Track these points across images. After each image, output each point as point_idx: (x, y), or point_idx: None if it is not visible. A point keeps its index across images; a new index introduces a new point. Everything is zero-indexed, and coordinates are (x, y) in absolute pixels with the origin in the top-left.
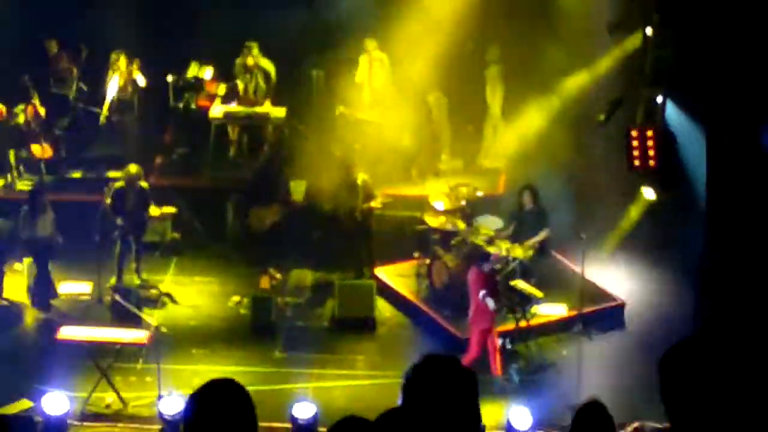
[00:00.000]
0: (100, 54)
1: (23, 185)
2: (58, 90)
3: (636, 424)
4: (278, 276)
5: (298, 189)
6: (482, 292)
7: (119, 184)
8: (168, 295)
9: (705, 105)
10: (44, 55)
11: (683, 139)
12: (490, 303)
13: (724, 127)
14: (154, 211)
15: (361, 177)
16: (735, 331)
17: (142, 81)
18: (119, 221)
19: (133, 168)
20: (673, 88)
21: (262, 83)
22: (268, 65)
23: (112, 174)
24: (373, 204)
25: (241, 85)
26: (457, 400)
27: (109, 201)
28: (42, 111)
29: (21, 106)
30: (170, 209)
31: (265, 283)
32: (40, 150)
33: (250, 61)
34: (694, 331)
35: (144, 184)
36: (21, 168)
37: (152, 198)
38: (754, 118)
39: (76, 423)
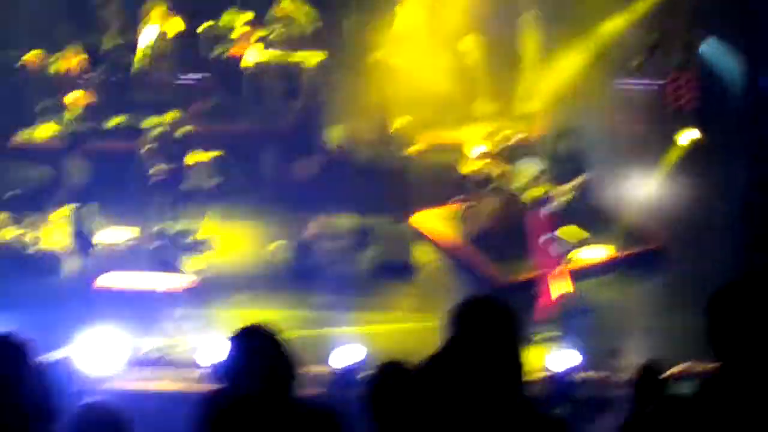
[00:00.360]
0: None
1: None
2: (97, 38)
3: (681, 366)
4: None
5: (335, 134)
6: (546, 236)
7: (157, 131)
8: (205, 249)
9: (746, 47)
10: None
11: (724, 82)
12: (555, 246)
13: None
14: (196, 156)
15: (398, 122)
16: None
17: (177, 29)
18: (158, 168)
19: (169, 116)
20: (712, 31)
21: (296, 30)
22: (302, 12)
23: (148, 122)
24: (413, 149)
25: (276, 33)
26: (497, 338)
27: (147, 147)
28: (80, 58)
29: (59, 53)
30: (212, 153)
31: (309, 229)
32: (79, 97)
33: (284, 7)
34: (738, 275)
35: (183, 129)
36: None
37: (191, 145)
38: None
39: (122, 369)
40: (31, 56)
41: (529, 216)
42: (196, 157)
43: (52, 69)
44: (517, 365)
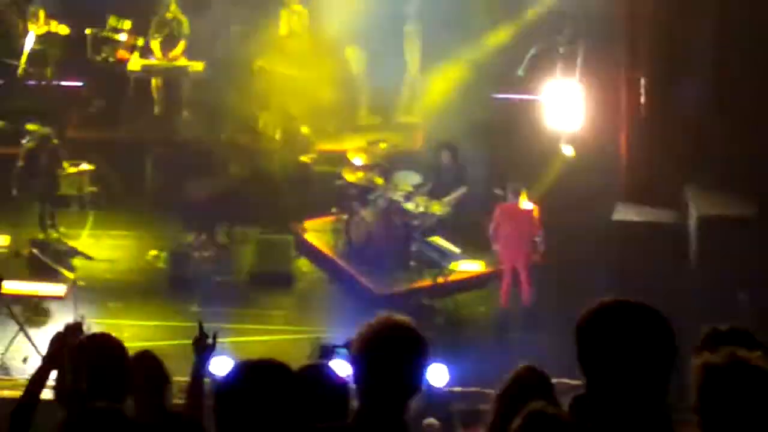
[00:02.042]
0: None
1: None
2: None
3: (554, 380)
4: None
5: (214, 141)
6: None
7: (30, 144)
8: (82, 253)
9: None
10: None
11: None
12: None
13: (639, 84)
14: (69, 168)
15: (304, 129)
16: (648, 294)
17: (60, 34)
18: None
19: (42, 128)
20: (591, 44)
21: (177, 37)
22: (182, 18)
23: (29, 126)
24: (308, 157)
25: (155, 41)
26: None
27: (21, 163)
28: None
29: None
30: (88, 167)
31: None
32: None
33: (169, 15)
34: (610, 292)
35: (55, 141)
36: None
37: (66, 153)
38: (671, 74)
39: None
40: None
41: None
42: (73, 168)
43: None
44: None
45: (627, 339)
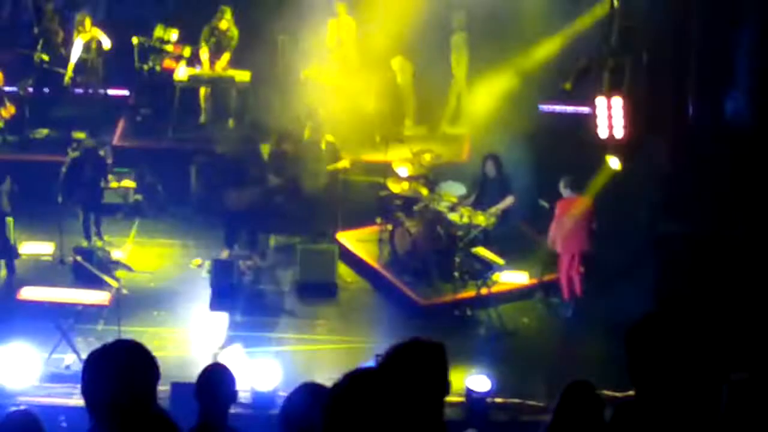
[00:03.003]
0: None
1: None
2: (25, 50)
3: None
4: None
5: (263, 152)
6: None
7: (74, 154)
8: (125, 265)
9: (671, 73)
10: (8, 13)
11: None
12: None
13: (687, 95)
14: (112, 183)
15: (325, 139)
16: (696, 303)
17: (107, 42)
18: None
19: (88, 139)
20: (639, 56)
21: (224, 48)
22: (234, 30)
23: (76, 134)
24: (339, 165)
25: (205, 49)
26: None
27: (65, 171)
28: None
29: None
30: (130, 183)
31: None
32: (2, 110)
33: (223, 25)
34: (655, 303)
35: (101, 152)
36: None
37: (112, 164)
38: (718, 87)
39: (35, 383)
40: None
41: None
42: (115, 184)
43: None
44: (440, 400)
45: (676, 348)
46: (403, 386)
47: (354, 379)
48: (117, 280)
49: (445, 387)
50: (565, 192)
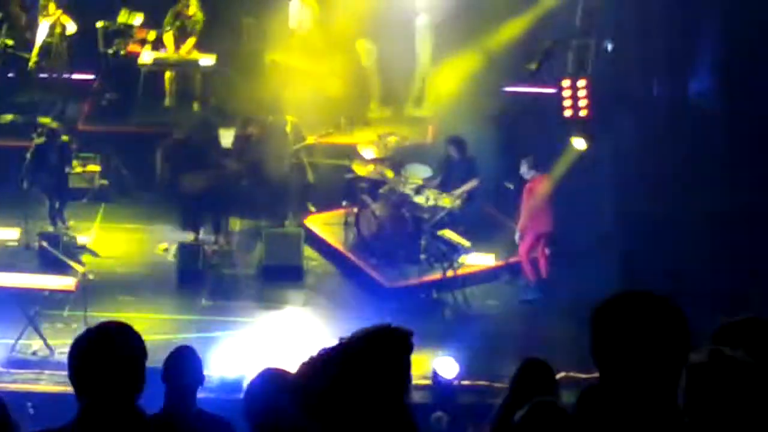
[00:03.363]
0: None
1: None
2: None
3: (561, 374)
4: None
5: (226, 136)
6: None
7: (39, 140)
8: (90, 250)
9: (634, 54)
10: None
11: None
12: None
13: (653, 76)
14: (77, 168)
15: (289, 120)
16: (662, 282)
17: (71, 27)
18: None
19: (53, 123)
20: (603, 37)
21: (189, 32)
22: (199, 14)
23: (42, 119)
24: (303, 144)
25: (169, 34)
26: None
27: (29, 158)
28: None
29: None
30: (94, 167)
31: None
32: None
33: (190, 10)
34: (621, 283)
35: (65, 138)
36: None
37: (76, 149)
38: (682, 68)
39: (1, 369)
40: None
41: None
42: (80, 168)
43: None
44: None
45: (640, 330)
46: (367, 369)
47: (318, 360)
48: (83, 265)
49: (407, 375)
50: (529, 173)
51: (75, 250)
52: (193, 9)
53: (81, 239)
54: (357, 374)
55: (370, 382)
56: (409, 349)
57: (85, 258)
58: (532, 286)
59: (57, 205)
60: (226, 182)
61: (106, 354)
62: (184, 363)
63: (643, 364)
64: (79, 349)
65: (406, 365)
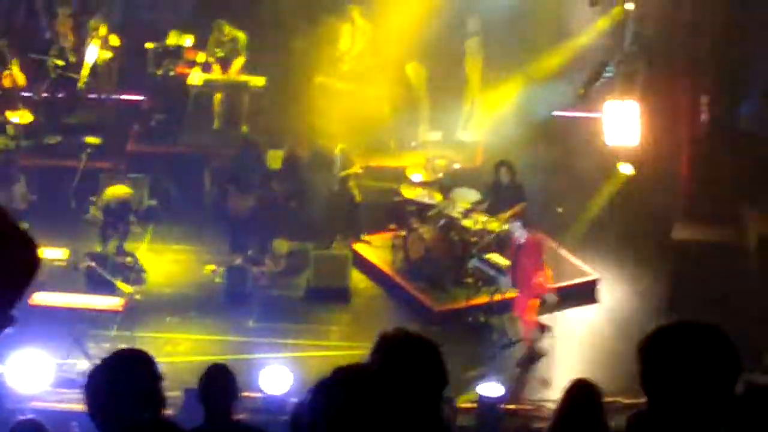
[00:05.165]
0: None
1: None
2: (38, 55)
3: (609, 399)
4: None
5: (274, 158)
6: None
7: (108, 202)
8: (138, 271)
9: (683, 81)
10: (22, 18)
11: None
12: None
13: (701, 100)
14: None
15: (339, 147)
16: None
17: (119, 48)
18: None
19: (119, 190)
20: (652, 61)
21: (236, 53)
22: (240, 34)
23: (89, 139)
24: (351, 171)
25: (216, 56)
26: (420, 373)
27: (84, 166)
28: (21, 77)
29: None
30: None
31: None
32: (19, 115)
33: (223, 38)
34: (669, 312)
35: (129, 199)
36: None
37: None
38: (733, 91)
39: (48, 389)
40: None
41: (534, 240)
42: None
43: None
44: (437, 399)
45: (690, 360)
46: (396, 382)
47: (344, 376)
48: (132, 285)
49: (441, 382)
50: (520, 234)
51: (123, 271)
52: (228, 31)
53: (129, 259)
54: (385, 384)
55: (399, 391)
56: (434, 354)
57: (133, 278)
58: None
59: (119, 233)
60: (273, 204)
61: (106, 382)
62: (216, 382)
63: (691, 393)
64: (87, 381)
65: (436, 370)
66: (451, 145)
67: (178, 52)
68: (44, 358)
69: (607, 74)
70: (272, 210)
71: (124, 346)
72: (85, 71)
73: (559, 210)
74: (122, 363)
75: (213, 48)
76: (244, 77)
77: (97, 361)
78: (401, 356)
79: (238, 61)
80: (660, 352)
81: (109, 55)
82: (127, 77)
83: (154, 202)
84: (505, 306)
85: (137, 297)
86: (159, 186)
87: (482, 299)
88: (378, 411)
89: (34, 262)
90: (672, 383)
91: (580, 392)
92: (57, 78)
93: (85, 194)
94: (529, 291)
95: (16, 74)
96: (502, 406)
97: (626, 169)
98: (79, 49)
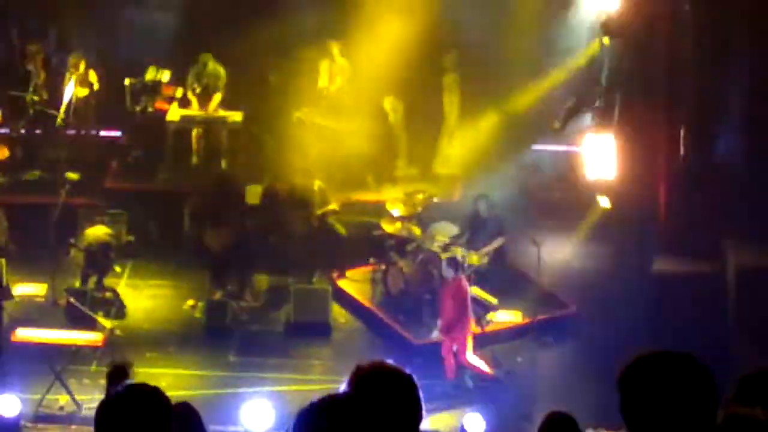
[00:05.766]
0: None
1: None
2: (17, 92)
3: (589, 431)
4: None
5: (253, 193)
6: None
7: (90, 245)
8: (117, 306)
9: (660, 114)
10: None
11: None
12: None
13: (678, 133)
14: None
15: (317, 183)
16: (691, 342)
17: (98, 84)
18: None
19: (99, 231)
20: (628, 95)
21: (214, 89)
22: (220, 69)
23: (69, 175)
24: (329, 208)
25: (191, 93)
26: (394, 404)
27: (61, 203)
28: None
29: None
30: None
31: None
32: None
33: (209, 67)
34: (649, 343)
35: (109, 240)
36: None
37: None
38: (709, 125)
39: (29, 425)
40: None
41: (457, 282)
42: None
43: None
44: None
45: (669, 389)
46: (371, 413)
47: (321, 406)
48: (110, 320)
49: (416, 414)
50: (449, 274)
51: (102, 306)
52: (212, 66)
53: (107, 294)
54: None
55: (376, 422)
56: (408, 386)
57: (112, 313)
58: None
59: (85, 257)
60: (251, 239)
61: (131, 417)
62: (180, 420)
63: (670, 423)
64: (104, 411)
65: (411, 403)
66: (430, 179)
67: (156, 87)
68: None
69: (584, 109)
70: (250, 245)
71: (103, 381)
72: (63, 107)
73: (537, 243)
74: (135, 397)
75: (192, 82)
76: (222, 113)
77: (110, 395)
78: (376, 387)
79: (217, 97)
80: (639, 381)
81: (87, 91)
82: (106, 113)
83: (132, 238)
84: (488, 338)
85: (117, 332)
86: (137, 222)
87: None
88: None
89: None
90: (651, 412)
91: (558, 424)
92: (35, 114)
93: (65, 230)
94: (452, 333)
95: None
96: None
97: (604, 202)
98: (53, 85)
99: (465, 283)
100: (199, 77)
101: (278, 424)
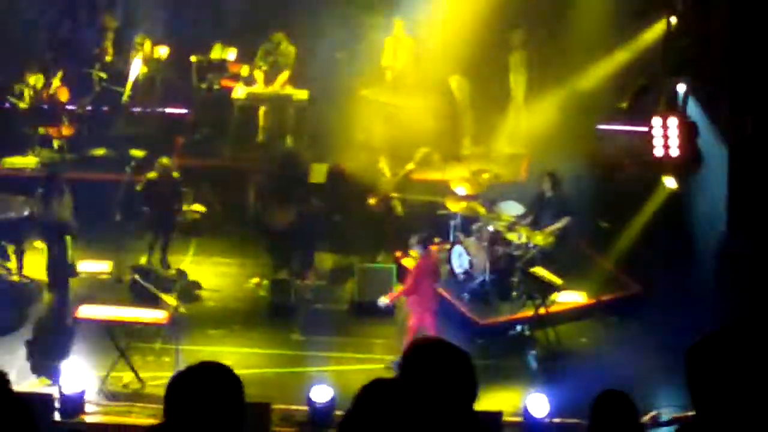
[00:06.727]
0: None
1: (42, 164)
2: (83, 68)
3: (654, 413)
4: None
5: (318, 171)
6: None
7: (152, 175)
8: (185, 277)
9: (726, 95)
10: (67, 32)
11: (703, 129)
12: None
13: (744, 117)
14: (186, 207)
15: (382, 162)
16: (760, 322)
17: (165, 62)
18: (146, 211)
19: (165, 160)
20: (695, 77)
21: (282, 67)
22: (291, 48)
23: (134, 152)
24: (407, 168)
25: (259, 71)
26: (449, 382)
27: (140, 189)
28: (64, 92)
29: (41, 83)
30: (200, 207)
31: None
32: (62, 128)
33: (281, 47)
34: (715, 321)
35: (176, 174)
36: (39, 147)
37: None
38: None
39: (93, 402)
40: (30, 82)
41: (424, 258)
42: (186, 207)
43: (44, 96)
44: (468, 408)
45: (739, 364)
46: (425, 389)
47: (374, 390)
48: (175, 298)
49: (471, 391)
50: (418, 250)
51: (167, 284)
52: (284, 44)
53: (173, 272)
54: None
55: (428, 402)
56: (464, 363)
57: (177, 291)
58: None
59: (161, 240)
60: (316, 217)
61: (202, 395)
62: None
63: (738, 401)
64: (175, 388)
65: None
66: (495, 159)
67: (222, 65)
68: (89, 371)
69: (652, 89)
70: (314, 224)
71: (168, 359)
72: (129, 84)
73: (604, 224)
74: (208, 373)
75: (259, 61)
76: (288, 90)
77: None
78: (431, 363)
79: (284, 75)
80: (708, 356)
81: (153, 69)
82: (172, 91)
83: (197, 216)
84: (551, 319)
85: (182, 310)
86: (203, 199)
87: (527, 313)
88: (408, 420)
89: None
90: (718, 391)
91: (612, 401)
92: (101, 91)
93: (130, 207)
94: (418, 309)
95: (58, 88)
96: (548, 420)
97: (670, 183)
98: (120, 63)
99: (431, 261)
100: (268, 55)
101: (341, 402)
